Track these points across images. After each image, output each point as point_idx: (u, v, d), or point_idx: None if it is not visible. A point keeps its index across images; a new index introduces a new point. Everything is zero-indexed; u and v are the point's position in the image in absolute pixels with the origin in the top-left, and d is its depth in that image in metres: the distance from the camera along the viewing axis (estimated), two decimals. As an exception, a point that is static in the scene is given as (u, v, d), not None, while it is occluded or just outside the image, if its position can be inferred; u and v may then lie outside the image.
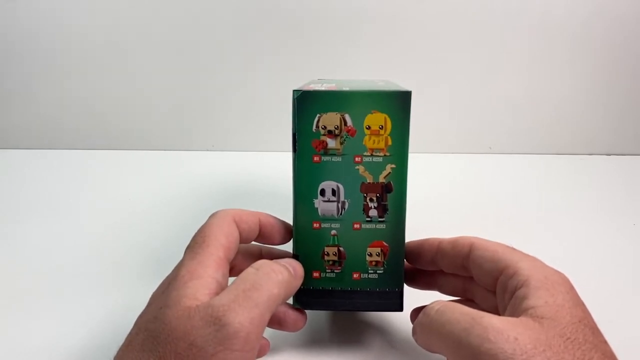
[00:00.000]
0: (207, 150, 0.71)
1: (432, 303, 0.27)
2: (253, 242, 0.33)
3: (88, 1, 0.65)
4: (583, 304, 0.25)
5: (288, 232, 0.32)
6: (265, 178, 0.61)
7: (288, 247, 0.33)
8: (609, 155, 0.70)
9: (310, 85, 0.32)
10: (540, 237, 0.48)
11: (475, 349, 0.23)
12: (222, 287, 0.26)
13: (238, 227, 0.30)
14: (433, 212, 0.52)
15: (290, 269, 0.29)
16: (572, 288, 0.26)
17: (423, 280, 0.33)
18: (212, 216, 0.30)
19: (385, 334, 0.34)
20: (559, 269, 0.27)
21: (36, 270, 0.43)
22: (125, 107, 0.70)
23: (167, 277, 0.28)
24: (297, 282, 0.30)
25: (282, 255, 0.33)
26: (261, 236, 0.32)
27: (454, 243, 0.30)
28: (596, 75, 0.67)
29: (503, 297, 0.27)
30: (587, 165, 0.67)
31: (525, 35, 0.65)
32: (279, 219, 0.33)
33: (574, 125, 0.69)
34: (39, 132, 0.71)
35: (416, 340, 0.28)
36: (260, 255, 0.33)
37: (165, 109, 0.69)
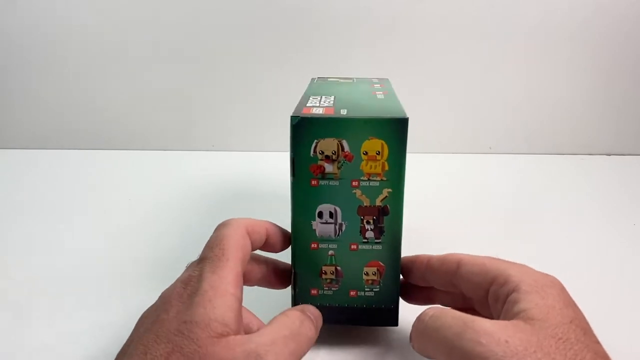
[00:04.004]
0: (208, 150, 0.71)
1: (426, 309, 0.28)
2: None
3: (88, 1, 0.65)
4: (575, 305, 0.26)
5: (288, 240, 0.33)
6: (266, 178, 0.61)
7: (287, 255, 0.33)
8: (609, 155, 0.70)
9: (309, 106, 0.32)
10: (540, 237, 0.48)
11: (467, 352, 0.23)
12: (240, 304, 0.26)
13: (249, 237, 0.30)
14: (433, 212, 0.52)
15: (317, 327, 0.29)
16: (563, 290, 0.26)
17: (421, 295, 0.34)
18: (225, 226, 0.30)
19: (384, 339, 0.34)
20: (559, 269, 0.28)
21: (36, 270, 0.43)
22: (126, 107, 0.70)
23: (184, 284, 0.27)
24: (316, 336, 0.30)
25: (287, 268, 0.34)
26: (265, 245, 0.32)
27: (443, 260, 0.31)
28: (596, 75, 0.67)
29: (496, 306, 0.27)
30: (587, 165, 0.67)
31: (525, 35, 0.65)
32: (281, 228, 0.33)
33: (574, 125, 0.69)
34: (39, 132, 0.71)
35: (413, 347, 0.29)
36: (265, 263, 0.33)
37: (166, 109, 0.70)
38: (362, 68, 0.65)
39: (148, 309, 0.28)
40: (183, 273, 0.28)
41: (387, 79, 0.46)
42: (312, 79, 0.46)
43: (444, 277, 0.31)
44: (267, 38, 0.65)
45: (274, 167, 0.60)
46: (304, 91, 0.40)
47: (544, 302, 0.25)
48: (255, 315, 0.32)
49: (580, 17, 0.64)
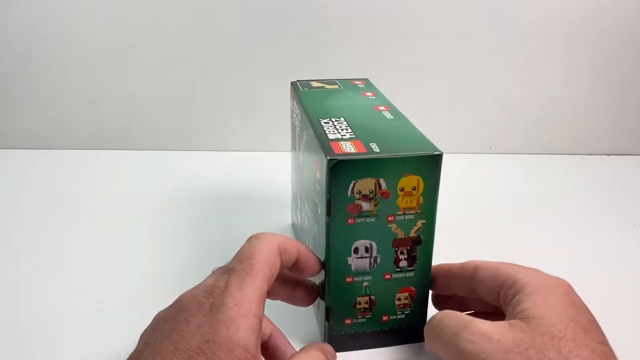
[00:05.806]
0: (208, 150, 0.71)
1: (436, 313, 0.30)
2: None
3: (88, 1, 0.65)
4: (580, 306, 0.26)
5: (319, 267, 0.32)
6: (266, 178, 0.61)
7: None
8: (609, 155, 0.70)
9: (332, 139, 0.32)
10: (540, 237, 0.48)
11: (462, 350, 0.26)
12: (261, 324, 0.26)
13: (280, 256, 0.29)
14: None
15: None
16: (568, 291, 0.27)
17: (452, 301, 0.35)
18: (257, 238, 0.29)
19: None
20: (559, 270, 0.28)
21: (35, 269, 0.43)
22: (125, 107, 0.69)
23: (207, 293, 0.26)
24: None
25: (313, 287, 0.34)
26: (295, 267, 0.31)
27: (462, 267, 0.32)
28: (596, 75, 0.67)
29: (505, 309, 0.28)
30: (587, 165, 0.67)
31: (525, 35, 0.65)
32: (314, 253, 0.32)
33: (574, 125, 0.69)
34: (39, 132, 0.71)
35: (427, 346, 0.32)
36: (294, 283, 0.33)
37: (166, 109, 0.69)
38: (362, 67, 0.65)
39: (164, 312, 0.26)
40: (207, 279, 0.27)
41: (367, 79, 0.46)
42: (292, 83, 0.45)
43: (464, 283, 0.32)
44: (267, 37, 0.65)
45: (274, 167, 0.60)
46: (296, 101, 0.40)
47: (544, 302, 0.26)
48: (269, 320, 0.31)
49: (580, 17, 0.64)
